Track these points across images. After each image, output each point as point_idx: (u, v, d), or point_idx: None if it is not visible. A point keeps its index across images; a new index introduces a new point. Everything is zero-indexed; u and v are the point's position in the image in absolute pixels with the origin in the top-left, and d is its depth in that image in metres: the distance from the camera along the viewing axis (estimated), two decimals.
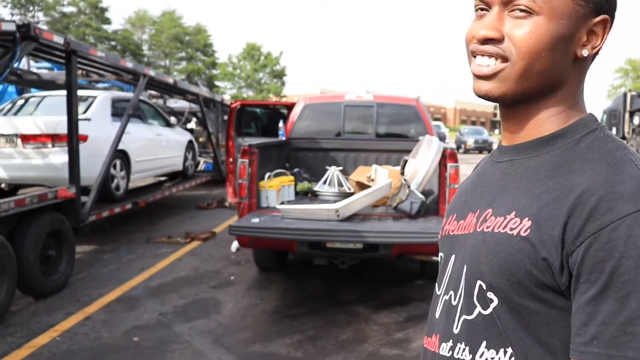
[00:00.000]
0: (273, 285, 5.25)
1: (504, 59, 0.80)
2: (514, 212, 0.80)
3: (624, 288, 0.68)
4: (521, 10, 0.78)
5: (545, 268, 0.75)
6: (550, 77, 0.81)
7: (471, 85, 0.85)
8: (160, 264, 5.90)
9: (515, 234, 0.78)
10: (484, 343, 0.82)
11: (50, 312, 4.44)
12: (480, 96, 0.84)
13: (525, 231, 0.77)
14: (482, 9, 0.83)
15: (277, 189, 5.01)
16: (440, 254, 0.98)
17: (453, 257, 0.91)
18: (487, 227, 0.83)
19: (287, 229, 4.21)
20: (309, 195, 5.38)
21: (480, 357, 0.82)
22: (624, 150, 0.78)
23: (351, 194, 4.88)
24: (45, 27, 6.08)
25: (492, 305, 0.81)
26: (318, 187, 5.34)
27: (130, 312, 4.47)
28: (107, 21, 44.14)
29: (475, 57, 0.83)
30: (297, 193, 5.42)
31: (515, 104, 0.84)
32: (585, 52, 0.81)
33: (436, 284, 0.97)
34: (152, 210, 8.92)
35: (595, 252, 0.70)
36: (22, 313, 4.41)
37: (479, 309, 0.83)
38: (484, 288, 0.82)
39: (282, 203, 4.93)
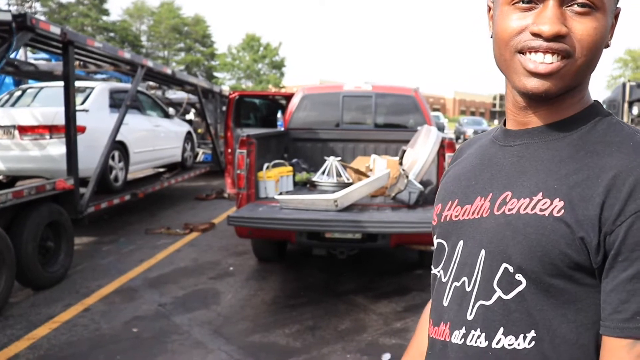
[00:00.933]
0: (272, 276, 5.26)
1: (567, 56, 0.78)
2: (540, 193, 0.80)
3: None
4: (581, 5, 0.78)
5: (581, 248, 0.76)
6: (593, 69, 0.84)
7: (515, 82, 0.82)
8: (159, 255, 5.91)
9: (547, 215, 0.78)
10: (502, 329, 0.82)
11: (50, 303, 4.44)
12: (535, 94, 0.81)
13: (558, 212, 0.77)
14: (527, 1, 0.80)
15: (276, 179, 5.00)
16: (439, 240, 0.97)
17: (461, 242, 0.89)
18: (510, 210, 0.83)
19: (285, 220, 4.20)
20: (308, 186, 5.38)
21: (497, 343, 0.82)
22: (638, 134, 0.81)
23: (350, 184, 4.88)
24: (42, 18, 6.03)
25: (519, 289, 0.80)
26: (317, 177, 5.34)
27: (130, 303, 4.48)
28: (106, 12, 43.90)
29: (527, 52, 0.80)
30: (295, 183, 5.42)
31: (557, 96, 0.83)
32: (610, 42, 0.84)
33: (438, 271, 0.96)
34: (151, 201, 8.92)
35: (638, 230, 0.72)
36: (21, 305, 4.41)
37: (499, 293, 0.82)
38: (511, 271, 0.81)
39: (281, 193, 4.92)
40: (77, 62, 7.10)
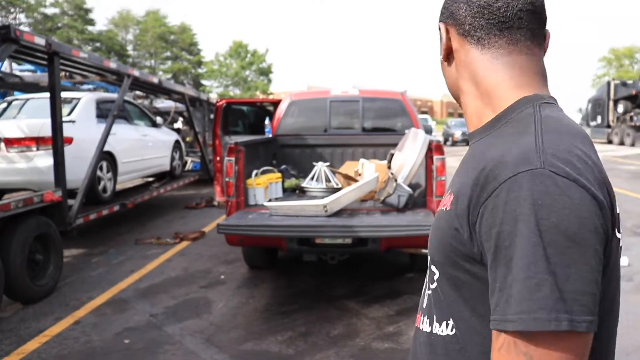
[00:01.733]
0: (263, 283, 5.25)
1: None
2: (450, 190, 0.86)
3: (508, 253, 0.70)
4: None
5: (459, 239, 0.79)
6: (451, 90, 1.00)
7: None
8: (150, 265, 5.88)
9: (445, 209, 0.84)
10: (435, 316, 0.88)
11: (40, 317, 4.40)
12: None
13: (450, 206, 0.82)
14: None
15: (265, 186, 5.00)
16: None
17: None
18: (440, 207, 0.90)
19: (275, 226, 4.20)
20: (297, 192, 5.38)
21: (435, 329, 0.88)
22: (541, 122, 0.79)
23: (339, 189, 4.88)
24: (27, 29, 6.00)
25: (435, 278, 0.87)
26: (305, 183, 5.34)
27: (121, 315, 4.45)
28: (91, 22, 43.73)
29: None
30: (284, 190, 5.42)
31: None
32: (441, 55, 0.96)
33: None
34: (140, 211, 8.87)
35: (486, 220, 0.73)
36: (11, 319, 4.37)
37: (432, 284, 0.89)
38: (430, 262, 0.89)
39: (270, 200, 4.92)
40: (62, 73, 7.07)
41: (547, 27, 0.92)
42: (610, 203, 0.75)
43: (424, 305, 0.93)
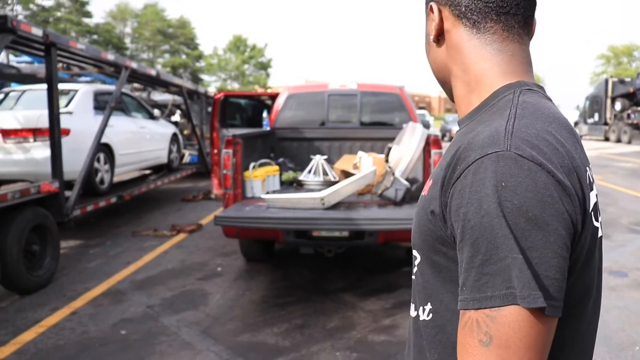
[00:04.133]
0: (260, 276, 5.26)
1: None
2: (430, 177, 0.86)
3: (474, 234, 0.70)
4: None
5: (435, 222, 0.80)
6: (436, 73, 0.98)
7: None
8: (146, 257, 5.88)
9: (423, 195, 0.85)
10: (417, 299, 0.89)
11: (36, 307, 4.41)
12: None
13: (426, 191, 0.84)
14: None
15: (262, 179, 4.99)
16: None
17: None
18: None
19: (272, 219, 4.21)
20: (294, 185, 5.38)
21: (419, 313, 0.89)
22: (516, 107, 0.79)
23: (336, 183, 4.89)
24: (24, 21, 5.95)
25: (417, 263, 0.88)
26: (303, 176, 5.34)
27: (117, 306, 4.46)
28: (89, 14, 43.52)
29: None
30: (282, 183, 5.42)
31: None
32: (431, 37, 0.93)
33: None
34: (137, 203, 8.87)
35: (455, 200, 0.74)
36: (7, 310, 4.37)
37: (414, 268, 0.90)
38: (412, 247, 0.90)
39: (268, 193, 4.92)
40: (60, 65, 7.05)
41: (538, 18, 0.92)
42: (581, 190, 0.74)
43: (412, 292, 0.94)
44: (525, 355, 0.67)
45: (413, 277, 0.91)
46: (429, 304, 0.85)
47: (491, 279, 0.68)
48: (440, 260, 0.81)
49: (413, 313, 0.91)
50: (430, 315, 0.85)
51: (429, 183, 0.84)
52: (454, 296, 0.80)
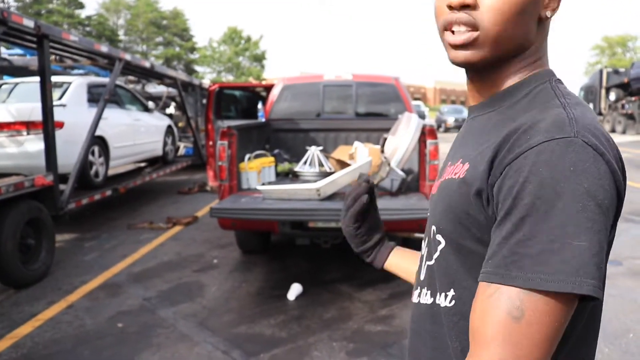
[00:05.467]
0: (256, 267, 5.26)
1: (474, 26, 0.80)
2: (460, 159, 0.85)
3: (522, 211, 0.70)
4: None
5: (478, 204, 0.78)
6: (520, 40, 0.83)
7: (447, 56, 0.86)
8: (142, 250, 5.87)
9: (456, 177, 0.83)
10: (438, 286, 0.88)
11: (32, 301, 4.39)
12: (458, 64, 0.85)
13: (463, 174, 0.82)
14: None
15: (258, 170, 4.98)
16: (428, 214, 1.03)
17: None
18: (444, 177, 0.89)
19: (268, 210, 4.20)
20: (290, 176, 5.37)
21: (437, 300, 0.88)
22: (562, 97, 0.80)
23: (332, 174, 4.88)
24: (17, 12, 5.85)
25: (439, 248, 0.87)
26: (299, 167, 5.33)
27: (114, 299, 4.45)
28: (81, 6, 43.18)
29: (447, 27, 0.83)
30: (277, 174, 5.41)
31: (487, 66, 0.85)
32: (548, 14, 0.84)
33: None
34: (133, 196, 8.84)
35: (508, 179, 0.73)
36: (3, 304, 4.35)
37: (436, 254, 0.88)
38: (435, 232, 0.88)
39: (263, 184, 4.91)
40: (53, 57, 6.99)
41: None
42: (624, 183, 0.76)
43: (422, 278, 0.93)
44: (553, 334, 0.69)
45: (430, 262, 0.90)
46: (451, 290, 0.85)
47: (521, 259, 0.69)
48: (470, 245, 0.81)
49: (427, 299, 0.91)
50: (453, 301, 0.84)
51: (461, 166, 0.83)
52: (476, 282, 0.79)
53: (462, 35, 0.81)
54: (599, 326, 0.85)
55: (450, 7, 0.81)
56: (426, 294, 0.91)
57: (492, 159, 0.76)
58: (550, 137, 0.72)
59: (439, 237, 0.87)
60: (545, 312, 0.68)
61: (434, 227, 0.88)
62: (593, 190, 0.69)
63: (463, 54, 0.82)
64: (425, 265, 0.92)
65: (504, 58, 0.84)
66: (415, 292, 0.96)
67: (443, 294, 0.86)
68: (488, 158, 0.77)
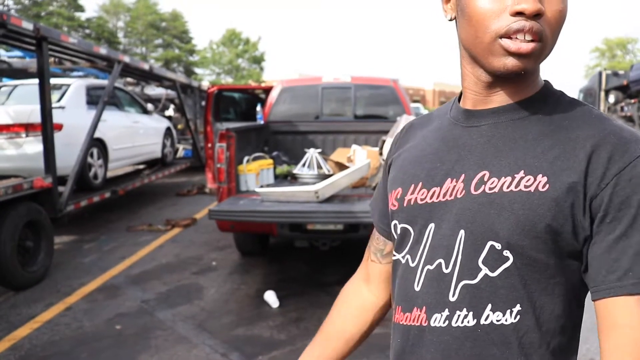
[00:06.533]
0: (255, 270, 5.26)
1: (541, 36, 0.78)
2: (522, 171, 0.81)
3: None
4: None
5: (568, 216, 0.79)
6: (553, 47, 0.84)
7: (499, 61, 0.80)
8: (141, 252, 5.87)
9: (533, 191, 0.80)
10: (489, 306, 0.83)
11: (30, 303, 4.39)
12: (512, 72, 0.80)
13: (543, 186, 0.80)
14: None
15: (256, 172, 4.99)
16: (403, 225, 0.94)
17: (432, 225, 0.89)
18: (491, 189, 0.83)
19: (267, 212, 4.20)
20: (289, 178, 5.38)
21: (486, 320, 0.83)
22: (592, 107, 0.87)
23: (330, 176, 4.88)
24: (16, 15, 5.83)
25: (506, 265, 0.82)
26: (297, 169, 5.34)
27: (112, 301, 4.45)
28: (81, 8, 43.21)
29: (510, 34, 0.77)
30: (276, 176, 5.41)
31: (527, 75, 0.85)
32: None
33: (404, 257, 0.94)
34: (132, 198, 8.84)
35: (621, 190, 0.75)
36: (1, 306, 4.35)
37: (485, 271, 0.83)
38: (498, 248, 0.82)
39: (262, 186, 4.91)
40: (52, 59, 7.00)
41: None
42: None
43: (453, 299, 0.85)
44: None
45: (472, 281, 0.84)
46: (517, 305, 0.82)
47: None
48: (544, 259, 0.81)
49: (467, 322, 0.84)
50: (519, 317, 0.82)
51: (541, 179, 0.80)
52: (545, 292, 0.82)
53: (529, 44, 0.77)
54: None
55: (518, 14, 0.76)
56: (466, 315, 0.84)
57: (586, 169, 0.78)
58: None
59: (506, 253, 0.81)
60: None
61: (492, 244, 0.82)
62: None
63: (523, 63, 0.79)
64: (461, 285, 0.85)
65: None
66: (436, 316, 0.87)
67: (508, 311, 0.82)
68: (579, 170, 0.78)
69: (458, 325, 0.84)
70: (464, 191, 0.85)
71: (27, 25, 4.83)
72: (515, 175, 0.81)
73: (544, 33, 0.78)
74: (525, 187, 0.80)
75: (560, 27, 0.80)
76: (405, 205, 0.94)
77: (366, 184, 4.97)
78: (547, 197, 0.78)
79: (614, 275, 0.75)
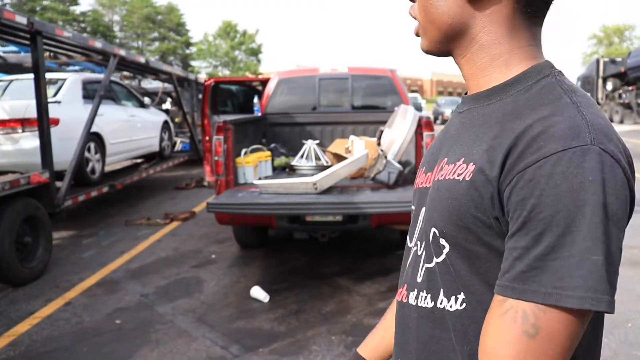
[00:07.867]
0: (254, 262, 5.25)
1: (415, 18, 0.87)
2: (462, 159, 0.81)
3: (539, 226, 0.68)
4: None
5: (489, 208, 0.75)
6: (447, 27, 0.82)
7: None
8: (140, 246, 5.86)
9: (461, 179, 0.79)
10: (442, 290, 0.84)
11: (30, 299, 4.38)
12: (425, 52, 0.90)
13: (469, 175, 0.78)
14: None
15: (254, 164, 4.97)
16: (413, 207, 1.00)
17: (423, 209, 0.92)
18: (441, 176, 0.85)
19: (265, 204, 4.18)
20: (287, 170, 5.36)
21: (440, 304, 0.85)
22: (571, 94, 0.76)
23: (328, 167, 4.87)
24: (10, 10, 5.75)
25: (445, 252, 0.83)
26: (295, 161, 5.32)
27: (112, 295, 4.44)
28: (76, 2, 43.00)
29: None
30: (274, 168, 5.40)
31: (450, 57, 0.87)
32: None
33: (407, 237, 0.99)
34: (130, 192, 8.82)
35: (520, 189, 0.70)
36: (0, 302, 4.34)
37: (434, 257, 0.85)
38: (437, 235, 0.84)
39: (260, 179, 4.90)
40: (47, 54, 6.95)
41: None
42: (633, 185, 0.74)
43: (420, 280, 0.89)
44: (567, 349, 0.68)
45: (429, 265, 0.86)
46: (462, 293, 0.81)
47: (540, 273, 0.67)
48: (477, 249, 0.78)
49: (427, 303, 0.87)
50: (464, 305, 0.81)
51: (470, 167, 0.78)
52: (488, 285, 0.78)
53: (415, 26, 0.88)
54: (602, 333, 0.84)
55: None
56: (425, 297, 0.88)
57: (503, 163, 0.73)
58: (566, 145, 0.68)
59: (442, 241, 0.83)
60: (561, 328, 0.67)
61: (434, 230, 0.84)
62: (610, 202, 0.67)
63: (421, 43, 0.88)
64: (424, 268, 0.88)
65: (448, 48, 0.85)
66: (410, 294, 0.92)
67: (453, 297, 0.82)
68: (499, 162, 0.73)
69: (423, 306, 0.88)
70: (434, 177, 0.89)
71: (21, 20, 4.79)
72: (457, 163, 0.81)
73: (414, 13, 0.87)
74: (458, 175, 0.80)
75: (423, 3, 0.83)
76: (415, 188, 1.01)
77: (364, 174, 4.95)
78: (470, 186, 0.77)
79: (500, 272, 0.73)
